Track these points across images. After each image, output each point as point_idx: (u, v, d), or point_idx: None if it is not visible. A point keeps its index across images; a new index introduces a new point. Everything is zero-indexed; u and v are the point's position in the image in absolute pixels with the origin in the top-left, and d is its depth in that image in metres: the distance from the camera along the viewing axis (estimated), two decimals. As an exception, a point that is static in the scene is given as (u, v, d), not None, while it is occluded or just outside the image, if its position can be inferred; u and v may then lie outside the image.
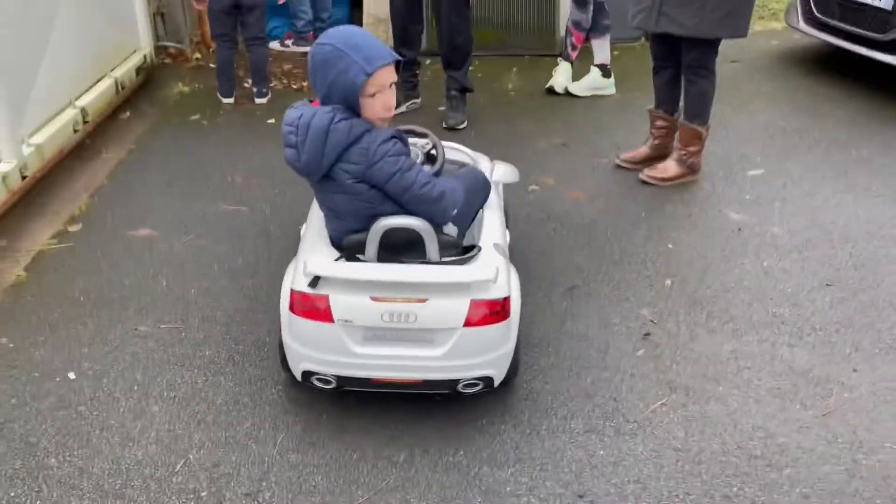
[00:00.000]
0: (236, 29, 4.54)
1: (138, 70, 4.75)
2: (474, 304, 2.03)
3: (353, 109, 2.00)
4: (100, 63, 4.30)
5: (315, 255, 2.13)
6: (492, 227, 2.33)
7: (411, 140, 2.31)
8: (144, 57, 4.84)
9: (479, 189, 2.38)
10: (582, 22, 4.61)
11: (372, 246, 2.04)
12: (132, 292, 2.88)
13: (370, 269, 2.03)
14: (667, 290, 2.98)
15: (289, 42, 5.78)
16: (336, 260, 2.10)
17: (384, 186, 2.00)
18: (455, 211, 2.11)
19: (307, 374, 2.14)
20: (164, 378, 2.44)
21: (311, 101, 2.06)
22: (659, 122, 3.85)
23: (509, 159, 3.05)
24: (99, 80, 4.23)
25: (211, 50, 5.20)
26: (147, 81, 4.92)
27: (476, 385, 2.14)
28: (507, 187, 3.02)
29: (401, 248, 2.06)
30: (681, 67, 3.61)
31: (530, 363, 2.54)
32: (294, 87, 5.04)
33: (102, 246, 3.20)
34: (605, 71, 4.78)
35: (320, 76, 1.98)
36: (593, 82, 4.78)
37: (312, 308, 2.03)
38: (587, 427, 2.31)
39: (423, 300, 2.00)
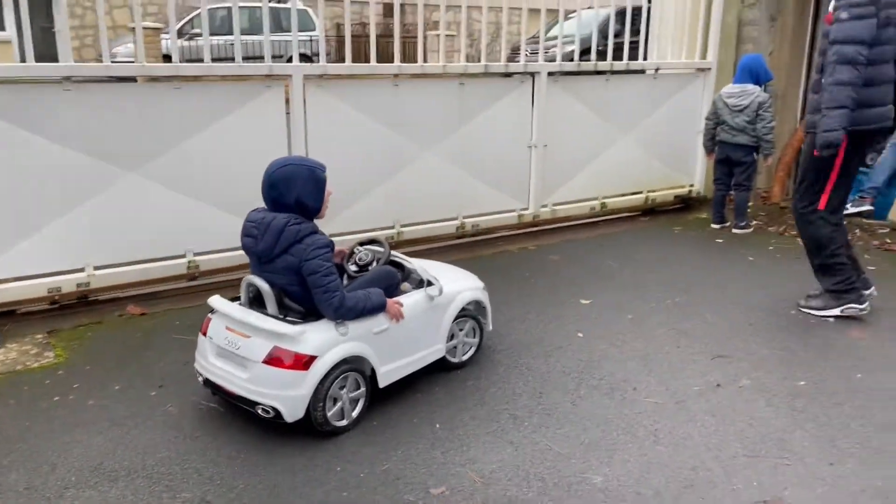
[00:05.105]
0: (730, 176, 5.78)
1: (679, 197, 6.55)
2: (276, 349, 2.62)
3: (307, 212, 2.75)
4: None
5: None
6: (372, 321, 2.83)
7: (369, 247, 3.21)
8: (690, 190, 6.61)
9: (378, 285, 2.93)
10: None
11: (242, 293, 2.84)
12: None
13: (228, 307, 2.80)
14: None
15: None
16: (232, 299, 2.89)
17: (305, 277, 2.68)
18: (339, 321, 2.74)
19: (196, 370, 2.91)
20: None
21: (266, 209, 2.81)
22: None
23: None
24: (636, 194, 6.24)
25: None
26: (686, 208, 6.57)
27: (268, 413, 2.65)
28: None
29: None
30: None
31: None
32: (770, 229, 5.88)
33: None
34: None
35: (295, 189, 2.71)
36: None
37: (204, 324, 2.87)
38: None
39: (248, 336, 2.69)
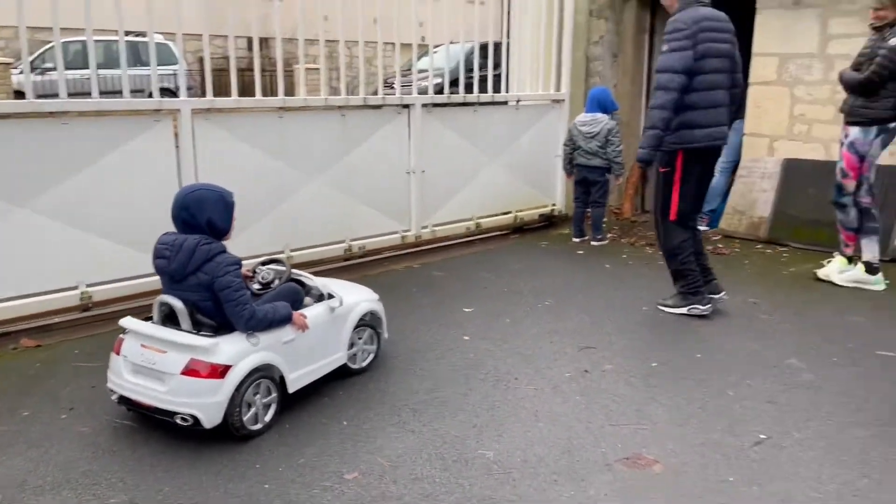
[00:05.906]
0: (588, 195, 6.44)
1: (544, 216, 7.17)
2: (193, 361, 2.81)
3: (216, 233, 2.96)
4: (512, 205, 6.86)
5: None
6: (280, 332, 3.07)
7: (271, 266, 3.42)
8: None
9: (283, 300, 3.17)
10: (844, 222, 5.13)
11: (154, 312, 2.99)
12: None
13: (143, 326, 2.94)
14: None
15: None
16: (146, 319, 3.02)
17: (217, 292, 2.88)
18: (250, 332, 2.96)
19: (109, 389, 3.03)
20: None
21: (176, 232, 2.98)
22: None
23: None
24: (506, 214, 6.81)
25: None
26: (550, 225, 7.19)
27: (187, 421, 2.82)
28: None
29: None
30: None
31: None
32: (623, 240, 6.58)
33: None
34: (870, 268, 5.06)
35: (206, 211, 2.93)
36: (856, 276, 5.10)
37: (116, 344, 3.01)
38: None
39: (164, 351, 2.86)
